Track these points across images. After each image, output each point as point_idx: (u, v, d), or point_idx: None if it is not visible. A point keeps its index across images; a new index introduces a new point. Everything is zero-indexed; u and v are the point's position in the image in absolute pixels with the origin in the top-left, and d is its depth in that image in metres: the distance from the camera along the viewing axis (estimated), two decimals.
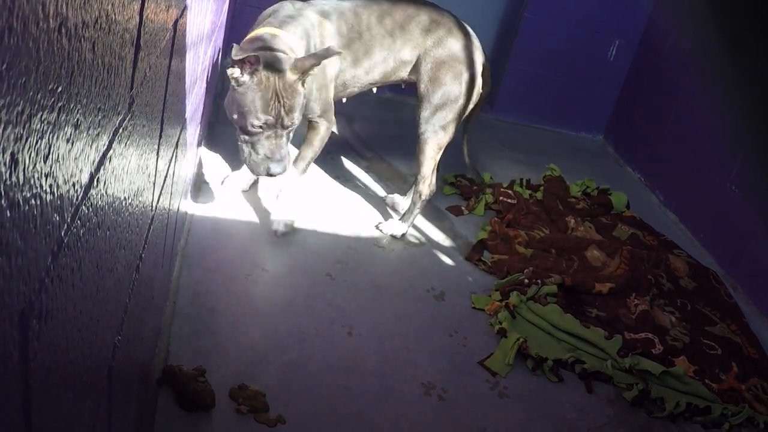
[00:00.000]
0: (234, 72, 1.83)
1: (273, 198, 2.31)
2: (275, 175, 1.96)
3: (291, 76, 1.86)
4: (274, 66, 1.84)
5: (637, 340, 2.09)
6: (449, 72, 2.26)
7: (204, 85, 1.98)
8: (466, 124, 2.51)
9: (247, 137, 1.93)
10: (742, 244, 2.66)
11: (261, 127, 1.88)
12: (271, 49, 1.89)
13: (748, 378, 2.06)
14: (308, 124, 2.20)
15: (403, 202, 2.55)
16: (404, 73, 2.30)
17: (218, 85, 2.91)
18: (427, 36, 2.25)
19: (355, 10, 2.18)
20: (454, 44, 2.26)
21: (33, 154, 0.40)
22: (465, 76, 2.27)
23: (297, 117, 1.91)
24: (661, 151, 3.35)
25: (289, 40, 1.99)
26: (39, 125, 0.40)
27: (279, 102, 1.85)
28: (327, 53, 1.90)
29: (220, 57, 2.52)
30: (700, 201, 2.99)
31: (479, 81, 2.34)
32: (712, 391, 1.97)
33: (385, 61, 2.24)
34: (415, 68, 2.28)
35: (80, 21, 0.46)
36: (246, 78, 1.83)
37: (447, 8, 2.36)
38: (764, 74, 2.70)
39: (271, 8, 2.14)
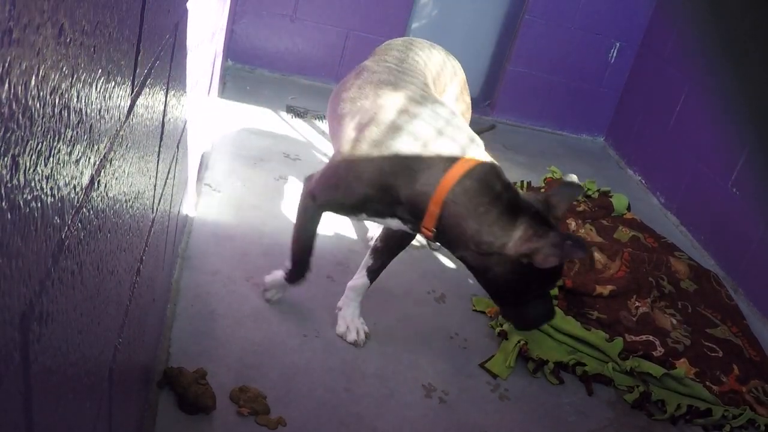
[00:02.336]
0: None
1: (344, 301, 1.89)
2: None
3: None
4: None
5: (638, 343, 2.09)
6: (460, 94, 2.17)
7: (204, 87, 1.98)
8: None
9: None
10: (743, 246, 2.66)
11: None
12: None
13: (749, 380, 2.06)
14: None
15: None
16: None
17: (220, 87, 2.91)
18: (440, 74, 2.08)
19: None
20: (455, 64, 2.20)
21: (34, 157, 0.40)
22: (467, 89, 2.24)
23: None
24: (662, 153, 3.35)
25: None
26: (40, 127, 0.40)
27: None
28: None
29: (221, 59, 2.53)
30: (701, 203, 2.99)
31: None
32: (713, 393, 1.96)
33: None
34: None
35: (81, 24, 0.46)
36: None
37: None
38: (765, 76, 2.70)
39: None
